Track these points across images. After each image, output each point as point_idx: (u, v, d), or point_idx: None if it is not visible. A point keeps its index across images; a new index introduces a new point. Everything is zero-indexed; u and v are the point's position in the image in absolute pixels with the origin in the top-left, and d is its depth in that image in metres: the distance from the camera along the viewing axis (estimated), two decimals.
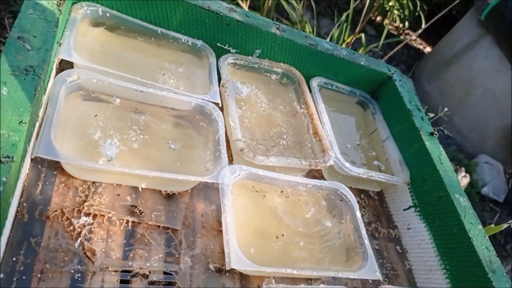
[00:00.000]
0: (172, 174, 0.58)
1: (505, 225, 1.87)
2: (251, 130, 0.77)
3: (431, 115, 1.67)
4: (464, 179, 2.24)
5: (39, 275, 0.50)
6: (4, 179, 0.40)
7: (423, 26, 2.29)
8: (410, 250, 0.83)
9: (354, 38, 2.09)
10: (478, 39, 2.92)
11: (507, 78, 2.77)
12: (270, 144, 0.78)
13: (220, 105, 0.73)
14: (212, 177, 0.61)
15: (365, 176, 0.79)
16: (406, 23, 2.93)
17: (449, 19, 3.16)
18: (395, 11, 2.94)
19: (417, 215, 0.83)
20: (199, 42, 0.82)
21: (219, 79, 0.79)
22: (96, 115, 0.60)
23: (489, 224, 1.74)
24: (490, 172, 3.01)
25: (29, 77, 0.47)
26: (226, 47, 0.86)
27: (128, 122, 0.64)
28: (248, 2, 1.96)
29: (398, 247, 0.84)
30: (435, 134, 0.88)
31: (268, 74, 0.89)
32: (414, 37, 3.44)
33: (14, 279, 0.48)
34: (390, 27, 3.21)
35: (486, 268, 0.69)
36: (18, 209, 0.53)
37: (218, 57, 0.83)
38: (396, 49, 2.66)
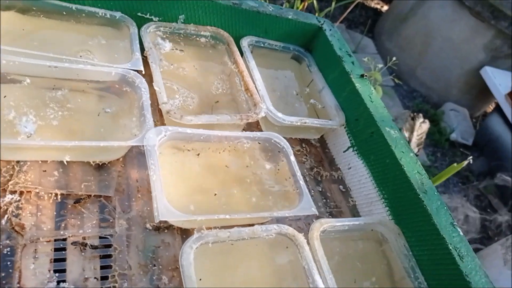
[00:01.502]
0: (93, 142, 0.59)
1: (465, 162, 1.95)
2: (183, 92, 0.78)
3: (388, 75, 1.70)
4: (423, 125, 2.30)
5: None
6: None
7: None
8: (353, 188, 0.87)
9: (306, 4, 2.08)
10: None
11: (463, 25, 2.83)
12: (204, 104, 0.79)
13: (143, 73, 0.73)
14: (137, 141, 0.62)
15: (299, 124, 0.82)
16: None
17: None
18: None
19: (355, 154, 0.87)
20: (118, 14, 0.81)
21: (143, 49, 0.79)
22: (5, 96, 0.60)
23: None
24: (456, 118, 3.11)
25: None
26: (148, 16, 0.85)
27: (45, 100, 0.64)
28: None
29: (341, 186, 0.87)
30: (365, 76, 0.90)
31: (197, 38, 0.89)
32: None
33: None
34: None
35: (418, 190, 0.73)
36: None
37: (140, 28, 0.82)
38: (349, 9, 2.67)
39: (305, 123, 0.82)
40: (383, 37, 3.29)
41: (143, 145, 0.64)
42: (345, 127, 0.89)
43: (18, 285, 0.50)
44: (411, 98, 3.24)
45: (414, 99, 3.22)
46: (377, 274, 0.71)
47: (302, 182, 0.71)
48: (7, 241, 0.53)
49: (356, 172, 0.86)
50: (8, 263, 0.52)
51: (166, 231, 0.64)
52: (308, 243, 0.64)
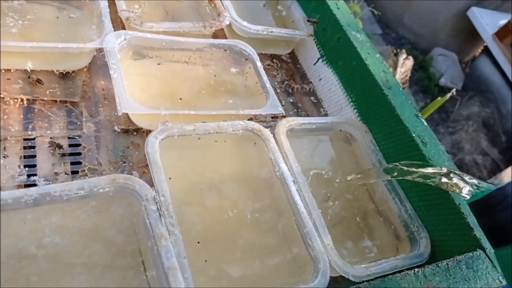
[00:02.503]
0: (51, 43, 0.59)
1: (449, 94, 1.96)
2: (143, 3, 0.77)
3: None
4: (407, 62, 2.30)
5: None
6: None
7: None
8: (324, 98, 0.88)
9: None
10: None
11: None
12: (167, 17, 0.79)
13: None
14: (96, 43, 0.62)
15: (265, 33, 0.82)
16: None
17: None
18: None
19: (324, 64, 0.87)
20: None
21: None
22: None
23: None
24: (445, 63, 3.09)
25: None
26: None
27: (3, 9, 0.64)
28: None
29: (312, 97, 0.88)
30: None
31: None
32: None
33: None
34: None
35: (382, 86, 0.74)
36: None
37: None
38: None
39: (272, 32, 0.82)
40: None
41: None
42: (314, 39, 0.89)
43: None
44: (399, 45, 3.20)
45: (402, 45, 3.19)
46: (344, 168, 0.73)
47: (269, 85, 0.72)
48: None
49: (326, 82, 0.87)
50: None
51: (135, 133, 0.65)
52: (275, 138, 0.66)
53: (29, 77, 0.62)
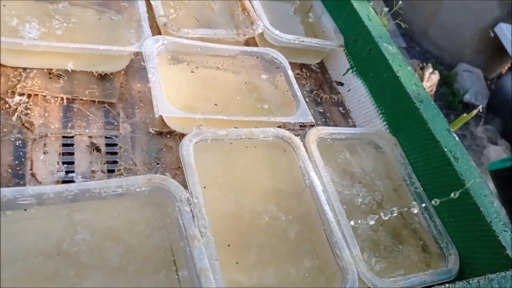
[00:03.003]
0: (93, 45, 0.61)
1: (475, 111, 1.93)
2: (179, 10, 0.79)
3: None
4: (433, 76, 2.27)
5: None
6: None
7: None
8: (352, 109, 0.88)
9: None
10: None
11: None
12: (202, 24, 0.80)
13: None
14: (135, 47, 0.64)
15: (297, 42, 0.82)
16: None
17: None
18: None
19: (354, 75, 0.87)
20: None
21: None
22: (4, 5, 0.62)
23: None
24: (470, 79, 3.05)
25: None
26: None
27: (48, 11, 0.66)
28: None
29: (341, 108, 0.89)
30: None
31: None
32: None
33: None
34: None
35: (414, 99, 0.74)
36: None
37: None
38: None
39: (303, 41, 0.83)
40: None
41: (143, 62, 0.66)
42: (344, 49, 0.90)
43: (30, 171, 0.54)
44: (423, 59, 3.17)
45: (427, 60, 3.16)
46: (373, 180, 0.73)
47: (299, 93, 0.73)
48: (19, 135, 0.56)
49: (356, 93, 0.87)
50: (21, 153, 0.55)
51: (168, 136, 0.67)
52: (305, 147, 0.66)
53: (49, 73, 0.64)
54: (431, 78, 2.28)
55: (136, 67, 0.73)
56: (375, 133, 0.76)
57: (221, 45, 0.73)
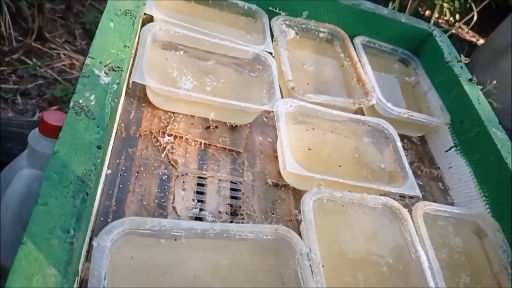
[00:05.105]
0: (236, 102, 0.70)
1: None
2: (301, 75, 0.88)
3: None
4: None
5: (136, 175, 0.64)
6: (117, 81, 0.54)
7: (475, 18, 2.24)
8: (452, 187, 0.89)
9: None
10: None
11: None
12: (319, 88, 0.88)
13: (273, 55, 0.84)
14: (268, 106, 0.73)
15: (406, 116, 0.87)
16: (457, 16, 2.85)
17: (503, 9, 3.03)
18: (445, 4, 2.85)
19: (457, 154, 0.90)
20: (254, 6, 0.94)
21: (272, 36, 0.91)
22: (166, 59, 0.74)
23: None
24: None
25: (127, 17, 0.62)
26: (277, 10, 0.97)
27: (200, 66, 0.78)
28: None
29: (440, 184, 0.90)
30: (474, 80, 0.93)
31: (316, 33, 0.99)
32: (466, 30, 3.33)
33: (119, 175, 0.63)
34: (440, 20, 3.14)
35: None
36: (118, 127, 0.68)
37: (270, 19, 0.94)
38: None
39: (412, 116, 0.87)
40: (477, 70, 3.13)
41: (265, 117, 0.75)
42: (448, 127, 0.93)
43: (172, 204, 0.63)
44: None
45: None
46: (473, 262, 0.73)
47: (407, 165, 0.77)
48: (165, 171, 0.66)
49: (457, 171, 0.89)
50: (166, 187, 0.64)
51: (283, 188, 0.73)
52: (412, 220, 0.69)
53: (209, 127, 0.74)
54: None
55: (259, 121, 0.82)
56: (478, 215, 0.77)
57: (338, 111, 0.79)
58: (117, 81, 0.54)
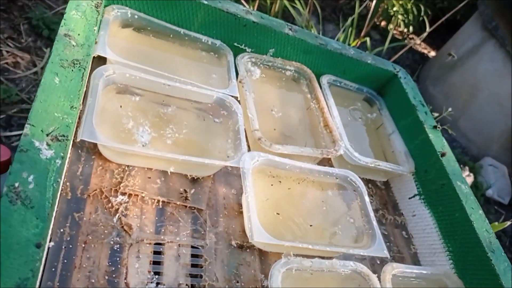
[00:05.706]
0: (200, 158, 0.64)
1: (508, 223, 1.91)
2: (268, 120, 0.83)
3: (436, 114, 1.71)
4: (468, 178, 2.27)
5: (83, 245, 0.56)
6: (62, 154, 0.46)
7: (427, 30, 2.35)
8: (415, 235, 0.89)
9: (359, 42, 2.15)
10: (482, 43, 2.97)
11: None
12: (285, 134, 0.84)
13: (238, 99, 0.79)
14: (234, 162, 0.67)
15: (372, 165, 0.85)
16: (411, 28, 2.99)
17: (453, 24, 3.21)
18: (400, 16, 2.99)
19: (421, 202, 0.89)
20: (218, 42, 0.88)
21: (237, 74, 0.85)
22: (121, 106, 0.66)
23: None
24: (494, 174, 3.05)
25: (76, 69, 0.54)
26: (243, 46, 0.92)
27: (158, 113, 0.71)
28: (256, 7, 2.03)
29: (404, 232, 0.89)
30: (438, 127, 0.94)
31: (282, 71, 0.95)
32: (418, 42, 3.49)
33: (63, 247, 0.54)
34: (395, 31, 3.26)
35: (486, 249, 0.74)
36: (63, 187, 0.59)
37: (235, 56, 0.89)
38: (400, 53, 2.72)
39: (379, 165, 0.86)
40: (428, 82, 3.30)
41: (230, 166, 0.70)
42: (413, 175, 0.92)
43: (125, 280, 0.55)
44: (450, 147, 3.20)
45: (453, 148, 3.19)
46: None
47: (375, 223, 0.74)
48: (117, 238, 0.58)
49: (421, 220, 0.88)
50: (117, 258, 0.57)
51: (247, 250, 0.68)
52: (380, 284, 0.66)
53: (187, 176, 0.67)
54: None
55: (222, 171, 0.76)
56: (443, 274, 0.76)
57: (307, 164, 0.76)
58: (62, 154, 0.46)
